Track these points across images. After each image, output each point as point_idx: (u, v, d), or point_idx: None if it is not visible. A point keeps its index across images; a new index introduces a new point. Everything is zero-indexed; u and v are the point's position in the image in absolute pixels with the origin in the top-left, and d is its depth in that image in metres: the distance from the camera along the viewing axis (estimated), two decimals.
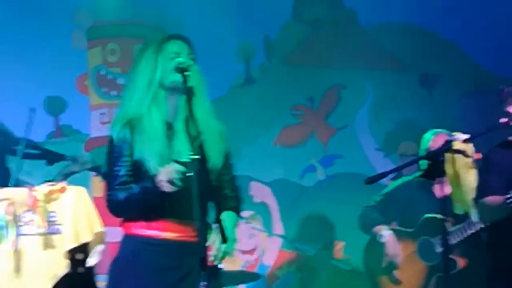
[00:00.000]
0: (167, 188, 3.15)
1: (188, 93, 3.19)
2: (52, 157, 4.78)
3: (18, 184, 4.39)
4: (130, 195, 3.27)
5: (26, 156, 4.61)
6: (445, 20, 6.48)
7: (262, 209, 6.21)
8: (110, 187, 3.34)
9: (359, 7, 6.45)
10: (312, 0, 6.57)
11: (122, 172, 3.33)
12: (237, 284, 5.49)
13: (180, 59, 3.22)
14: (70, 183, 3.62)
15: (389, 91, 6.50)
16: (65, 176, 4.57)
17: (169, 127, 3.36)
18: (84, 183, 4.41)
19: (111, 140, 3.34)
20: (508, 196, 3.95)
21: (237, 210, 3.43)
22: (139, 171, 3.28)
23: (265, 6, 6.23)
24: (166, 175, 3.20)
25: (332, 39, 6.44)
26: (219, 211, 3.29)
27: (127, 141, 3.33)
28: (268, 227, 6.10)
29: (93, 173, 4.93)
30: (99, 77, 6.13)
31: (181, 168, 3.22)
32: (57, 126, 6.04)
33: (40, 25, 5.92)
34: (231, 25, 6.13)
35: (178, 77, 3.35)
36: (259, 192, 6.38)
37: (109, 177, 3.35)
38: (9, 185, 4.38)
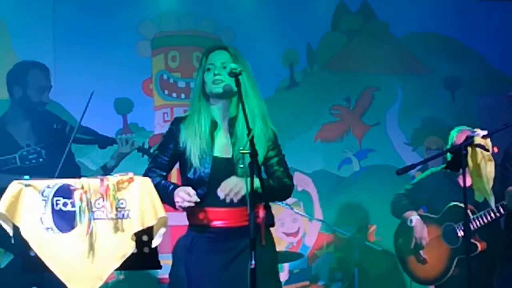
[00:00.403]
0: (177, 205, 3.62)
1: (239, 95, 3.59)
2: (103, 141, 5.00)
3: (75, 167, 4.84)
4: (153, 180, 3.68)
5: (80, 141, 4.92)
6: (467, 30, 6.86)
7: (304, 197, 6.59)
8: (149, 166, 3.88)
9: (390, 19, 6.87)
10: (349, 13, 6.92)
11: (161, 157, 3.83)
12: (282, 263, 5.89)
13: (233, 65, 3.60)
14: (136, 173, 3.61)
15: (416, 93, 6.89)
16: (117, 158, 4.88)
17: (215, 125, 3.80)
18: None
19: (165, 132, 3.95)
20: None
21: (267, 195, 3.64)
22: (183, 159, 3.79)
23: (308, 18, 6.69)
24: (180, 199, 3.65)
25: (366, 47, 6.83)
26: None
27: (174, 134, 3.80)
28: (309, 212, 6.47)
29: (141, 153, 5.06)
30: (162, 81, 6.57)
31: (195, 198, 3.63)
32: (125, 124, 6.45)
33: (111, 36, 6.34)
34: (278, 34, 6.57)
35: (215, 89, 3.75)
36: (301, 181, 6.71)
37: (152, 158, 3.92)
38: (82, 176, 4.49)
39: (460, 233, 5.43)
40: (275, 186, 3.85)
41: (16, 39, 6.14)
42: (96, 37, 6.36)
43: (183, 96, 6.62)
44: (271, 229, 3.92)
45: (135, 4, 6.46)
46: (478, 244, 5.33)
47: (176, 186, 3.77)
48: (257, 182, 3.55)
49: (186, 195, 3.63)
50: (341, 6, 6.92)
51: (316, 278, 6.68)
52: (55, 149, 4.67)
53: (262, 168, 3.76)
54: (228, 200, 3.65)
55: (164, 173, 3.92)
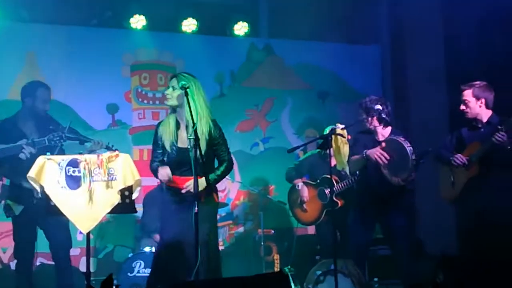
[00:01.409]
0: (160, 177, 4.36)
1: (188, 101, 4.25)
2: (82, 140, 5.39)
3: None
4: (152, 167, 4.53)
5: (68, 138, 5.27)
6: (333, 62, 8.06)
7: None
8: (152, 159, 4.60)
9: (283, 54, 8.07)
10: (257, 50, 8.05)
11: (155, 150, 4.54)
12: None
13: (183, 82, 4.29)
14: (121, 151, 4.39)
15: (300, 101, 8.05)
16: (90, 152, 5.01)
17: (179, 125, 4.50)
18: (129, 152, 6.19)
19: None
20: (363, 155, 5.21)
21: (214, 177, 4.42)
22: (163, 149, 4.48)
23: (231, 53, 7.88)
24: (161, 176, 4.36)
25: (269, 72, 8.03)
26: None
27: (156, 133, 4.55)
28: (231, 177, 7.19)
29: (109, 149, 5.28)
30: (137, 93, 7.50)
31: (170, 177, 4.32)
32: (113, 120, 7.38)
33: (104, 63, 7.28)
34: (213, 63, 7.65)
35: (166, 103, 4.49)
36: None
37: (152, 151, 4.64)
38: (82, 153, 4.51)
39: (328, 194, 6.07)
40: (219, 175, 4.50)
41: (41, 64, 6.99)
42: (94, 63, 7.22)
43: (151, 102, 7.51)
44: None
45: (120, 43, 7.43)
46: (339, 202, 6.14)
47: (160, 164, 4.50)
48: (213, 176, 4.33)
49: (166, 175, 4.40)
50: (252, 46, 8.05)
51: (236, 219, 7.68)
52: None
53: (205, 150, 4.33)
54: (184, 191, 4.37)
55: (160, 158, 4.56)
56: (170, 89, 4.48)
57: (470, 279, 3.70)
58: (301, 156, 7.18)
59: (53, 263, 5.50)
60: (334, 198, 5.73)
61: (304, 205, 6.41)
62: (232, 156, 4.74)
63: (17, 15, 6.98)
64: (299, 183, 6.45)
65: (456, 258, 5.00)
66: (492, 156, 4.97)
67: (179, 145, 4.48)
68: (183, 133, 4.49)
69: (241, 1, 8.03)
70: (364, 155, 5.23)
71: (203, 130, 4.40)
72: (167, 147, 4.48)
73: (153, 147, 4.65)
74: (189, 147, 4.28)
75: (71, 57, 7.12)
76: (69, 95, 7.05)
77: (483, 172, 5.06)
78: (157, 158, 4.57)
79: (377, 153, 5.14)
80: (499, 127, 4.91)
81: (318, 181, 6.30)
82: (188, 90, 4.25)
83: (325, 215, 6.21)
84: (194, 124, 4.20)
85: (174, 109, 4.55)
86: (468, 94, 5.26)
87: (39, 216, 4.95)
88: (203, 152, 4.23)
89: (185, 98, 4.29)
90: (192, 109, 4.26)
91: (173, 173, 4.41)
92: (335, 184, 5.99)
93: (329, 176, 5.38)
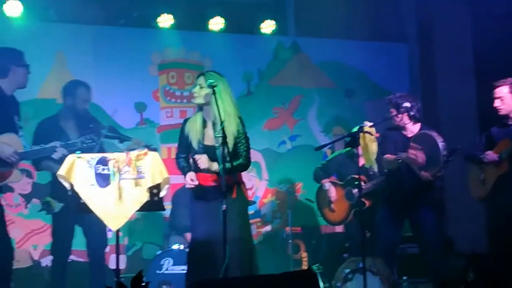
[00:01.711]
0: (201, 165, 4.34)
1: (216, 99, 4.29)
2: (122, 138, 5.45)
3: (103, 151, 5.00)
4: (178, 164, 4.57)
5: (108, 136, 5.30)
6: (358, 59, 8.04)
7: (256, 165, 7.53)
8: (177, 155, 4.66)
9: (310, 52, 8.10)
10: (284, 48, 8.11)
11: (180, 146, 4.60)
12: None
13: (211, 80, 4.30)
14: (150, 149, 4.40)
15: (327, 99, 8.13)
16: (129, 150, 4.70)
17: (205, 123, 4.53)
18: (157, 150, 5.41)
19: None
20: (398, 156, 5.24)
21: (236, 167, 4.33)
22: (190, 146, 4.51)
23: (258, 51, 7.93)
24: (202, 163, 4.35)
25: (295, 70, 8.08)
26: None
27: (184, 130, 4.56)
28: (259, 175, 7.58)
29: (148, 147, 4.89)
30: (165, 91, 7.59)
31: (196, 182, 4.34)
32: (142, 119, 7.47)
33: (133, 62, 7.36)
34: (241, 62, 7.75)
35: (193, 101, 4.54)
36: (254, 155, 6.13)
37: (177, 147, 4.67)
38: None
39: (356, 194, 5.95)
40: (232, 167, 4.34)
41: (70, 63, 7.08)
42: (123, 62, 7.33)
43: (179, 100, 7.59)
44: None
45: (148, 42, 7.50)
46: (366, 202, 6.08)
47: (189, 170, 4.54)
48: (227, 165, 4.21)
49: (190, 180, 4.43)
50: (279, 44, 8.11)
51: (264, 217, 7.69)
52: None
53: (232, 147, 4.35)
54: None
55: (185, 155, 4.63)
56: (198, 87, 4.52)
57: (501, 278, 3.64)
58: (328, 154, 7.29)
59: (82, 260, 5.58)
60: (361, 199, 5.76)
61: (332, 205, 6.41)
62: (261, 154, 4.86)
63: (45, 15, 7.10)
64: (327, 183, 6.45)
65: (486, 256, 5.21)
66: None
67: (206, 142, 4.51)
68: (209, 131, 4.52)
69: (268, 0, 8.03)
70: (400, 159, 5.26)
71: (231, 129, 4.42)
72: (194, 145, 4.52)
73: (179, 143, 4.70)
74: (216, 145, 4.32)
75: (99, 56, 7.25)
76: (97, 93, 6.69)
77: None
78: (182, 154, 4.64)
79: (412, 155, 5.14)
80: None
81: (346, 181, 6.31)
82: (215, 88, 4.28)
83: (353, 215, 6.22)
84: (222, 122, 4.23)
85: (201, 107, 4.60)
86: (502, 91, 5.22)
87: (78, 213, 4.92)
88: (230, 150, 4.28)
89: (212, 96, 4.33)
90: (220, 107, 4.29)
91: (199, 171, 4.47)
92: (363, 184, 5.94)
93: (356, 176, 5.39)
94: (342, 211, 6.36)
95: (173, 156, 5.98)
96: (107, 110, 7.11)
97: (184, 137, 4.61)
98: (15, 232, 6.21)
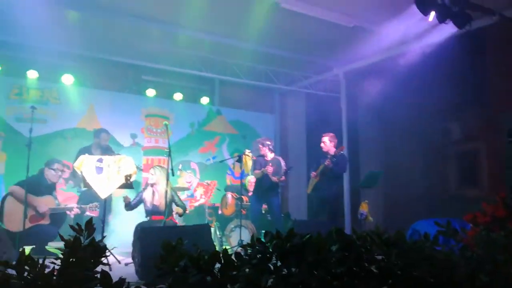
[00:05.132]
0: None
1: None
2: (115, 154, 6.28)
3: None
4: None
5: (111, 154, 6.33)
6: (255, 121, 10.06)
7: (194, 171, 9.82)
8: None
9: (226, 114, 10.19)
10: (212, 111, 10.04)
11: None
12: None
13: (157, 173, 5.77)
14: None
15: (233, 139, 10.23)
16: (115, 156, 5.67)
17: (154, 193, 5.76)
18: (140, 159, 9.48)
19: None
20: (262, 170, 7.06)
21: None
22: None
23: (200, 112, 9.86)
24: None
25: (217, 124, 10.20)
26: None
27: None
28: (195, 175, 9.79)
29: (137, 167, 6.17)
30: (147, 128, 9.73)
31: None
32: (134, 142, 9.61)
33: (130, 113, 9.44)
34: (188, 116, 9.89)
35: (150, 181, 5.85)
36: (193, 165, 10.11)
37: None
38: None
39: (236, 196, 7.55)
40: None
41: (98, 111, 9.24)
42: (126, 112, 9.44)
43: (154, 134, 9.72)
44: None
45: (140, 102, 9.49)
46: (244, 198, 7.76)
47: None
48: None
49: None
50: (210, 109, 10.18)
51: (195, 197, 9.25)
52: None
53: None
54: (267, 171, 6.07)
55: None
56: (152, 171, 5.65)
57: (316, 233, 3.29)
58: (232, 168, 9.92)
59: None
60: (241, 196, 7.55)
61: (227, 206, 8.35)
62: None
63: (83, 82, 9.20)
64: (228, 194, 8.40)
65: (307, 221, 6.64)
66: None
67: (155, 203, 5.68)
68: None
69: (205, 86, 10.96)
70: (262, 170, 7.19)
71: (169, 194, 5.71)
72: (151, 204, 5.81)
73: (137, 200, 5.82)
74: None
75: (113, 108, 9.50)
76: (111, 127, 8.95)
77: None
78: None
79: (268, 169, 7.12)
80: None
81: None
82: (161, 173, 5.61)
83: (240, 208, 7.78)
84: (166, 191, 5.58)
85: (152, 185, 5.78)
86: (325, 139, 7.08)
87: (84, 188, 5.85)
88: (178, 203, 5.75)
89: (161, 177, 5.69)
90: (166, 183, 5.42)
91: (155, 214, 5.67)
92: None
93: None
94: (231, 207, 8.36)
95: (149, 163, 9.35)
96: (116, 136, 9.33)
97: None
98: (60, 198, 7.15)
